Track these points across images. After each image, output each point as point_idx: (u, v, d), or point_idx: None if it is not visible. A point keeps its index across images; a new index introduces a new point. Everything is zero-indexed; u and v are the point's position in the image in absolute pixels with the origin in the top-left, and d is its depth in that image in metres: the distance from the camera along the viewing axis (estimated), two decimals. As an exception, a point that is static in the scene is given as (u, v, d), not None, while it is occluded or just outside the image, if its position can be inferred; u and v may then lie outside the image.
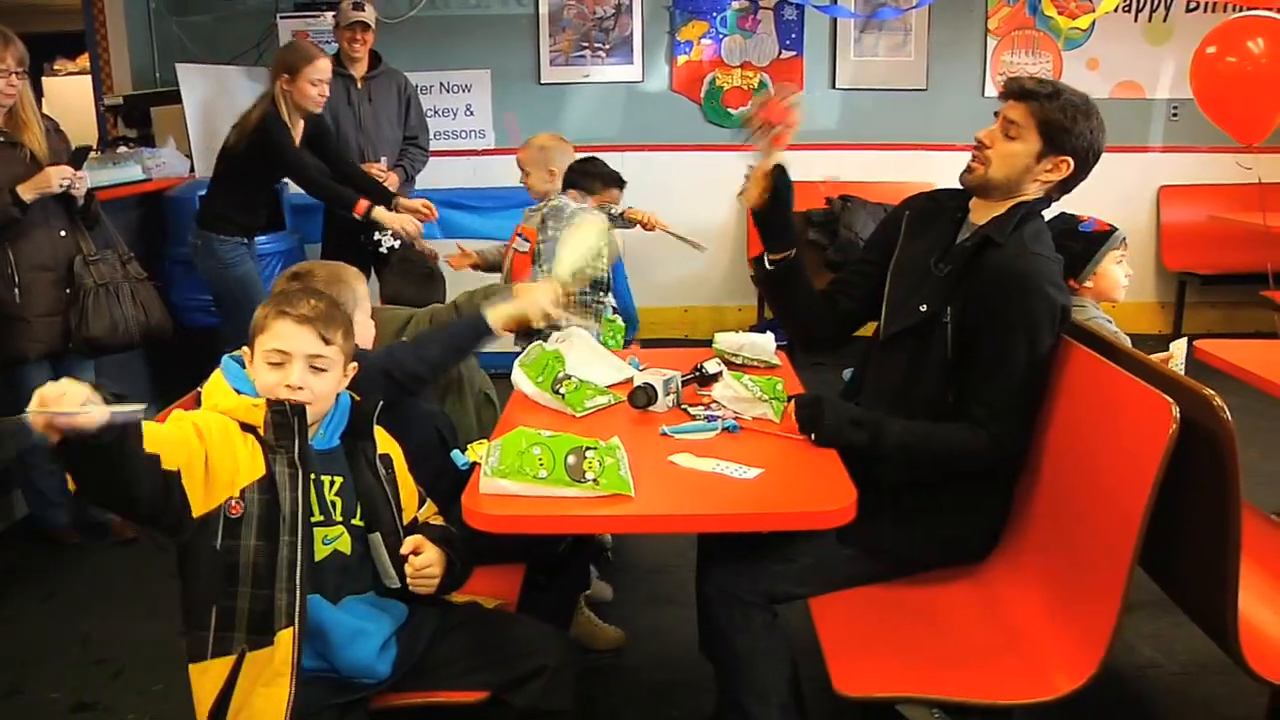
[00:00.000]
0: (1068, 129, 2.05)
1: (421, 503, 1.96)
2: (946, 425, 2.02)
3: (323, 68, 3.92)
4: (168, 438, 1.58)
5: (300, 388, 1.73)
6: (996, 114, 2.13)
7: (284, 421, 1.71)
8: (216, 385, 1.78)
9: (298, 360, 1.74)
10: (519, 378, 2.37)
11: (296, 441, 1.71)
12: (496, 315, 2.31)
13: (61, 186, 3.12)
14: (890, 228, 2.32)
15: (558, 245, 2.84)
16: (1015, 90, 2.09)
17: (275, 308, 1.77)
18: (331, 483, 1.78)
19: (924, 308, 2.10)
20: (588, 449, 1.84)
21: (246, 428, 1.71)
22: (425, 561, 1.79)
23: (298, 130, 3.98)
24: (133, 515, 1.60)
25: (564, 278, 2.54)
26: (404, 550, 1.79)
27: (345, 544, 1.79)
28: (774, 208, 2.28)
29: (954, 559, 2.13)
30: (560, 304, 2.40)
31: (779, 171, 2.24)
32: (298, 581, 1.66)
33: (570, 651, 1.93)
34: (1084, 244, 2.58)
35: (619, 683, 2.58)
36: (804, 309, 2.40)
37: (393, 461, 1.90)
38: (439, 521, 1.96)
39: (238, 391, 1.75)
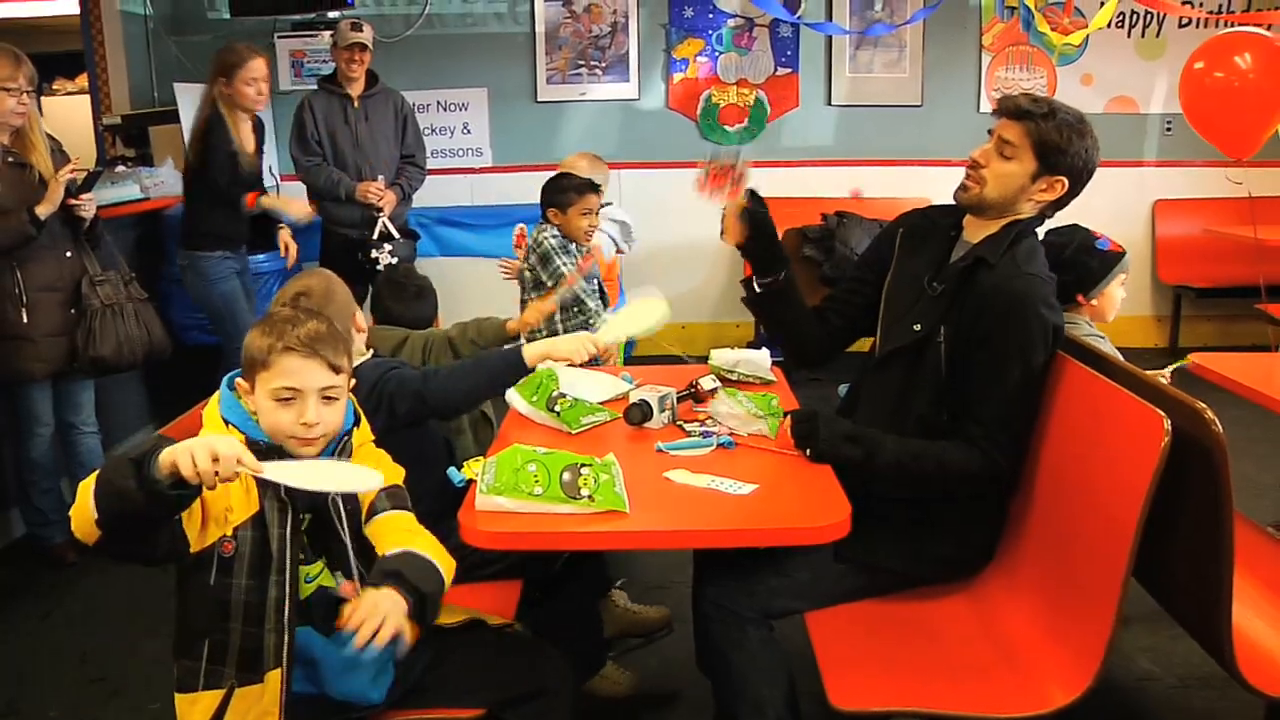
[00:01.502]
0: (1063, 149, 2.05)
1: (374, 513, 1.80)
2: (940, 443, 2.03)
3: (256, 67, 3.95)
4: None
5: (316, 423, 1.67)
6: (991, 132, 2.13)
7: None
8: (212, 414, 1.73)
9: (311, 396, 1.67)
10: (513, 396, 2.38)
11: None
12: (531, 353, 2.30)
13: (64, 178, 3.13)
14: (884, 245, 2.33)
15: (622, 309, 2.88)
16: (1010, 109, 2.08)
17: (279, 341, 1.67)
18: (303, 519, 1.72)
19: (918, 327, 2.11)
20: (583, 466, 1.84)
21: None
22: (362, 621, 1.56)
23: (243, 130, 4.03)
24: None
25: (606, 339, 2.49)
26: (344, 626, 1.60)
27: (328, 578, 1.76)
28: (757, 238, 2.31)
29: (949, 575, 2.13)
30: (590, 355, 2.39)
31: (753, 203, 2.28)
32: (285, 622, 1.64)
33: (570, 672, 1.92)
34: (1099, 262, 2.56)
35: (616, 697, 2.58)
36: (795, 327, 2.42)
37: (356, 496, 1.79)
38: (412, 536, 1.80)
39: (226, 423, 1.69)
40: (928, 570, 2.11)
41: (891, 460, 2.00)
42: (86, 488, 1.45)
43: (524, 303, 3.40)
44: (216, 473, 1.38)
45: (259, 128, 4.20)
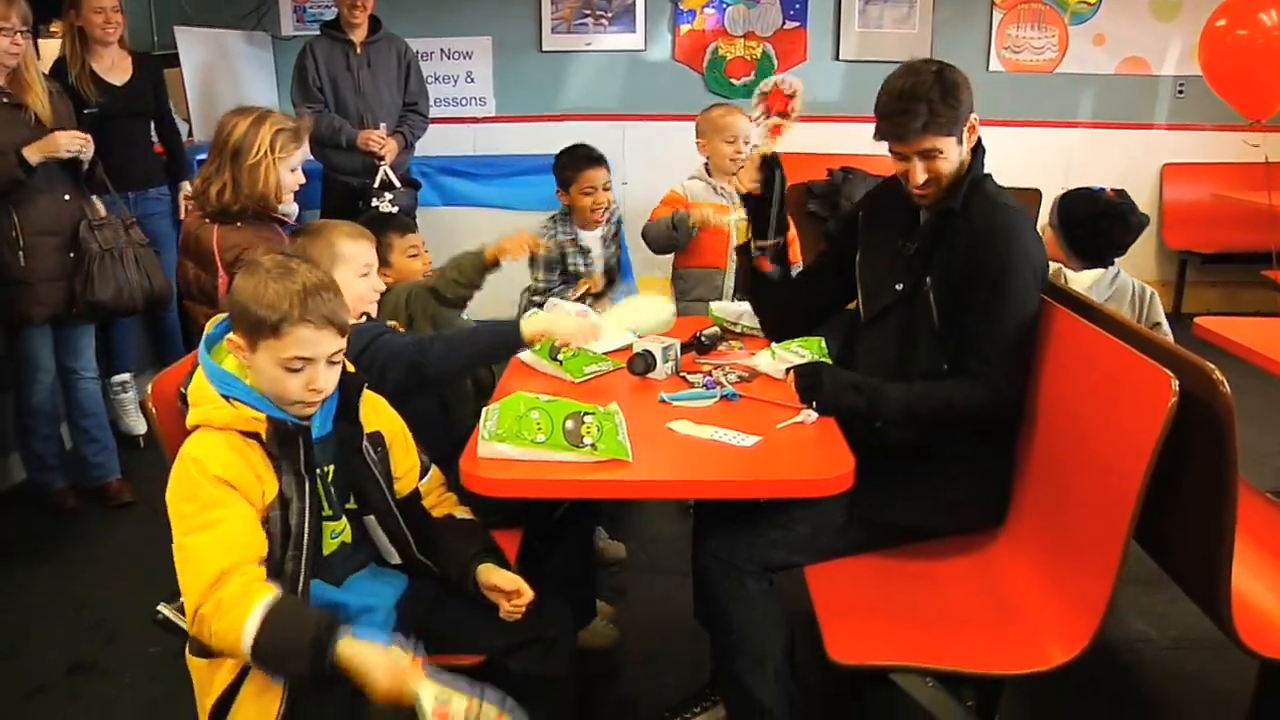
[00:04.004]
0: (957, 108, 2.04)
1: (424, 472, 1.91)
2: (944, 382, 2.05)
3: None
4: (252, 536, 1.58)
5: (324, 388, 1.65)
6: (900, 155, 2.10)
7: (288, 438, 1.63)
8: (203, 392, 1.65)
9: (320, 362, 1.64)
10: (516, 344, 2.37)
11: (302, 453, 1.65)
12: (530, 327, 2.19)
13: (69, 153, 3.10)
14: (847, 228, 2.36)
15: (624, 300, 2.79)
16: (914, 131, 2.03)
17: (294, 310, 1.60)
18: (325, 472, 1.73)
19: (900, 286, 2.13)
20: (586, 414, 1.84)
21: (247, 433, 1.63)
22: (523, 601, 1.74)
23: (105, 60, 3.89)
24: None
25: (606, 328, 2.40)
26: (507, 608, 1.74)
27: (347, 534, 1.77)
28: (764, 197, 2.32)
29: (956, 526, 2.13)
30: (588, 339, 2.29)
31: (773, 163, 2.30)
32: (299, 594, 1.63)
33: (571, 621, 1.93)
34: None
35: (614, 649, 2.60)
36: (780, 299, 2.45)
37: (384, 438, 1.83)
38: (446, 494, 1.92)
39: (227, 399, 1.63)
40: (935, 520, 2.11)
41: (897, 404, 2.02)
42: (239, 621, 1.47)
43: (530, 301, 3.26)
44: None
45: (143, 63, 4.06)
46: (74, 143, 3.10)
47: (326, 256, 2.15)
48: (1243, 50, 4.11)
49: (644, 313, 2.55)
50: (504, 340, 2.19)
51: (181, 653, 1.71)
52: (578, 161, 3.24)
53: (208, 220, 2.59)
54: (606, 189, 3.26)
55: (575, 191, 3.24)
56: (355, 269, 2.20)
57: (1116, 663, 2.60)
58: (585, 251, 3.28)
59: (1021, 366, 2.04)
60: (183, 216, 4.16)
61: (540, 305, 3.06)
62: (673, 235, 3.22)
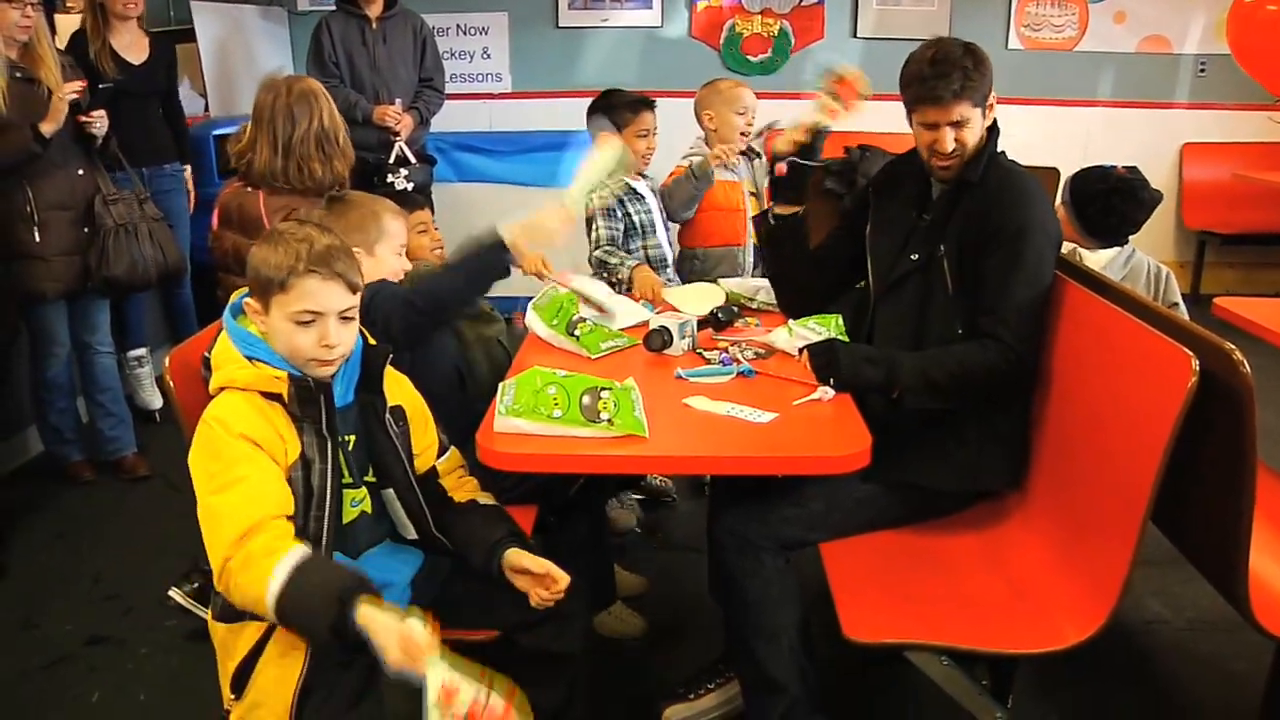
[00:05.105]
0: (985, 79, 2.09)
1: (442, 451, 1.90)
2: (957, 345, 2.06)
3: None
4: (279, 492, 1.59)
5: (337, 344, 1.65)
6: (929, 125, 2.12)
7: (309, 397, 1.64)
8: (226, 354, 1.67)
9: (331, 317, 1.65)
10: (533, 320, 2.37)
11: (324, 413, 1.65)
12: (510, 229, 2.15)
13: (63, 97, 3.06)
14: (861, 203, 2.39)
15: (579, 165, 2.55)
16: (953, 89, 2.06)
17: (299, 263, 1.62)
18: (346, 441, 1.74)
19: (915, 256, 2.16)
20: (603, 390, 1.84)
21: (269, 395, 1.64)
22: (560, 588, 1.71)
23: (124, 38, 3.88)
24: None
25: (576, 199, 2.33)
26: (544, 596, 1.71)
27: (368, 504, 1.78)
28: (798, 164, 2.39)
29: (973, 486, 2.13)
30: (569, 225, 2.26)
31: (816, 136, 2.40)
32: (322, 553, 1.63)
33: (583, 598, 1.92)
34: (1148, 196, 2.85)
35: (624, 637, 2.61)
36: (800, 269, 2.47)
37: (405, 413, 1.84)
38: (468, 478, 1.92)
39: (249, 359, 1.65)
40: (954, 479, 2.10)
41: (914, 372, 2.03)
42: (265, 574, 1.47)
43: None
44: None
45: (159, 43, 4.06)
46: (72, 88, 3.08)
47: (373, 230, 2.21)
48: (1273, 26, 4.04)
49: (597, 162, 2.42)
50: (487, 250, 2.16)
51: (196, 627, 1.72)
52: (634, 104, 3.17)
53: (249, 189, 2.61)
54: (655, 132, 3.22)
55: (629, 134, 3.13)
56: (394, 247, 2.25)
57: (1131, 644, 2.60)
58: (640, 198, 3.20)
59: (1034, 327, 2.05)
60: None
61: (605, 262, 3.05)
62: (694, 184, 3.18)
